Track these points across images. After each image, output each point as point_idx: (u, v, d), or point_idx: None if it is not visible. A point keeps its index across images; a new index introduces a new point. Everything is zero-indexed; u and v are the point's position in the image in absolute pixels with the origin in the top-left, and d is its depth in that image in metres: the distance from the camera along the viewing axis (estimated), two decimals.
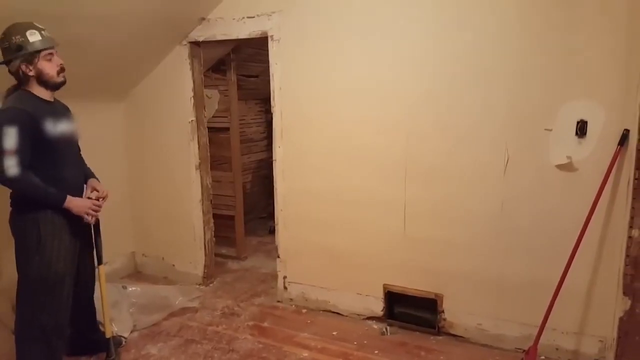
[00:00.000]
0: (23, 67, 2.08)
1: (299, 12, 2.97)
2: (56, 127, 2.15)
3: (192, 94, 3.44)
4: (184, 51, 3.41)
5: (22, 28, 2.07)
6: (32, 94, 2.14)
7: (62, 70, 2.18)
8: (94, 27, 2.72)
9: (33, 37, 2.06)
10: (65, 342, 2.34)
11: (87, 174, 2.47)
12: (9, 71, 2.12)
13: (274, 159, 3.24)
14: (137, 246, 3.93)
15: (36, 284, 2.18)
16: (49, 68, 2.12)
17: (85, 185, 2.42)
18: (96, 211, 2.32)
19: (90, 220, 2.30)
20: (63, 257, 2.21)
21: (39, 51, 2.08)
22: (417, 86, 2.72)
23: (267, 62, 3.15)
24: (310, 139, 3.07)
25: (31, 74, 2.10)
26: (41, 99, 2.16)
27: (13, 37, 2.05)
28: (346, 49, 2.87)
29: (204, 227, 3.61)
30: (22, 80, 2.13)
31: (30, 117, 2.05)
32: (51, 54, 2.13)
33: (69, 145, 2.31)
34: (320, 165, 3.06)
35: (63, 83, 2.20)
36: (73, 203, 2.20)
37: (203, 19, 3.29)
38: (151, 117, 3.63)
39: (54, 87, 2.18)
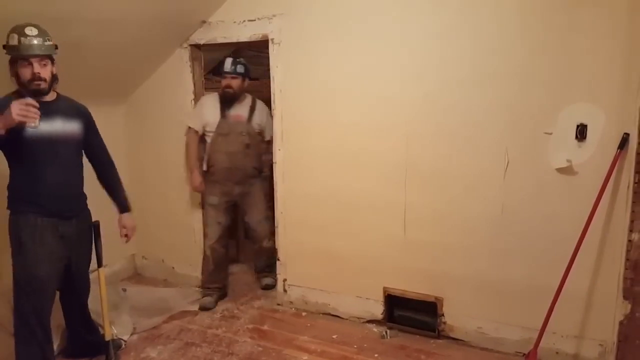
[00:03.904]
0: (10, 67, 2.12)
1: (300, 16, 2.98)
2: (38, 128, 2.10)
3: (192, 96, 3.45)
4: (185, 54, 3.42)
5: (11, 30, 2.08)
6: (21, 94, 2.13)
7: (34, 79, 2.10)
8: (95, 30, 2.73)
9: (11, 41, 2.07)
10: (52, 344, 2.34)
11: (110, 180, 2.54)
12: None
13: (274, 161, 3.24)
14: (137, 248, 3.92)
15: (19, 286, 2.19)
16: (22, 74, 2.11)
17: (77, 192, 2.40)
18: (26, 112, 1.95)
19: (33, 124, 2.00)
20: (45, 261, 2.19)
21: (17, 56, 2.09)
22: (418, 90, 2.72)
23: (268, 64, 3.16)
24: (311, 142, 3.08)
25: (12, 75, 2.12)
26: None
27: (6, 38, 2.09)
28: (346, 53, 2.87)
29: (203, 230, 3.60)
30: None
31: None
32: (29, 62, 2.08)
33: (55, 145, 2.20)
34: (321, 168, 3.07)
35: (38, 92, 2.14)
36: (2, 119, 1.94)
37: (204, 22, 3.30)
38: (152, 119, 3.64)
39: (31, 92, 2.12)
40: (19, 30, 2.08)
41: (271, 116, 3.21)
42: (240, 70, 3.24)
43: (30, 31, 2.08)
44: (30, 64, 2.09)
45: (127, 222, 2.57)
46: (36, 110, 1.97)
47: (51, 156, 2.21)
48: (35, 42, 2.09)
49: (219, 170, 3.25)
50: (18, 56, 2.09)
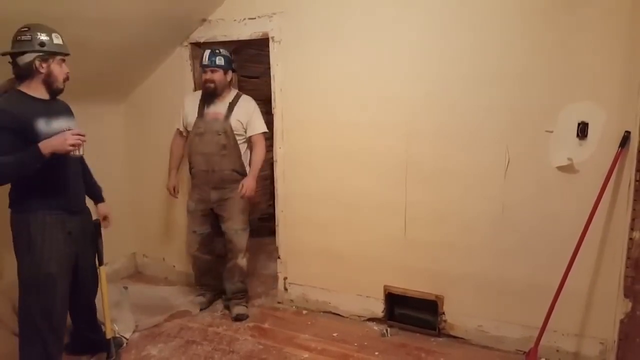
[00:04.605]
0: (37, 62, 2.12)
1: (300, 14, 2.97)
2: (51, 126, 2.14)
3: None
4: (185, 52, 3.42)
5: (48, 29, 2.15)
6: (24, 93, 2.14)
7: (66, 78, 2.24)
8: (95, 29, 2.73)
9: (57, 40, 2.17)
10: (62, 343, 2.33)
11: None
12: (14, 63, 2.12)
13: (274, 159, 3.24)
14: (138, 247, 3.94)
15: (28, 285, 2.19)
16: (58, 71, 2.18)
17: (82, 188, 2.43)
18: (79, 140, 2.09)
19: (79, 152, 2.16)
20: (55, 259, 2.19)
21: (56, 53, 2.16)
22: (418, 88, 2.72)
23: (268, 63, 3.16)
24: (311, 140, 3.07)
25: (42, 71, 2.13)
26: (35, 98, 2.15)
27: (39, 34, 2.11)
28: (347, 51, 2.87)
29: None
30: (25, 75, 2.14)
31: (13, 117, 2.04)
32: (63, 60, 2.21)
33: None
34: (321, 166, 3.07)
35: (62, 91, 2.25)
36: (51, 144, 2.03)
37: (204, 20, 3.29)
38: (152, 118, 3.63)
39: (55, 90, 2.21)
40: (49, 29, 2.15)
41: (258, 111, 3.08)
42: (220, 63, 2.96)
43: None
44: (63, 63, 2.21)
45: (106, 210, 2.62)
46: (84, 139, 2.13)
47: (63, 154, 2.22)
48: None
49: (197, 173, 3.05)
50: (63, 54, 2.19)
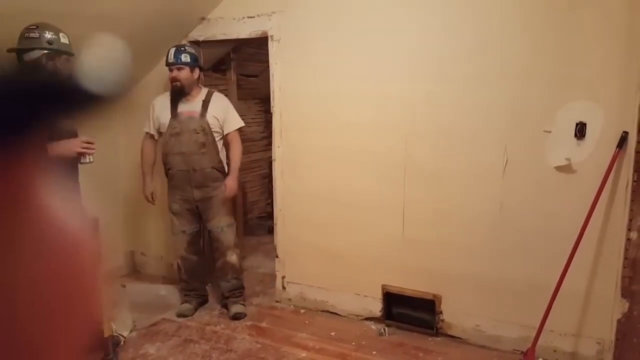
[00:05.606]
0: (44, 60, 2.16)
1: (299, 13, 2.97)
2: None
3: None
4: None
5: (55, 29, 2.20)
6: None
7: None
8: (94, 26, 2.71)
9: (64, 39, 2.23)
10: None
11: None
12: (19, 59, 2.14)
13: (273, 158, 3.24)
14: (136, 245, 3.93)
15: None
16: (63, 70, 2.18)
17: None
18: (88, 147, 2.11)
19: (88, 159, 2.13)
20: None
21: (63, 52, 2.20)
22: (417, 87, 2.72)
23: (267, 61, 3.16)
24: (310, 140, 3.07)
25: (49, 68, 2.16)
26: None
27: (47, 32, 2.16)
28: (346, 50, 2.87)
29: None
30: None
31: None
32: (68, 60, 2.24)
33: None
34: (320, 165, 3.07)
35: None
36: (58, 148, 2.03)
37: (203, 18, 3.29)
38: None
39: None
40: (56, 29, 2.19)
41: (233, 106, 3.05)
42: (185, 60, 2.89)
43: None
44: (69, 62, 2.24)
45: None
46: (94, 147, 2.12)
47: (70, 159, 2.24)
48: None
49: (176, 174, 2.99)
50: (69, 54, 2.24)
